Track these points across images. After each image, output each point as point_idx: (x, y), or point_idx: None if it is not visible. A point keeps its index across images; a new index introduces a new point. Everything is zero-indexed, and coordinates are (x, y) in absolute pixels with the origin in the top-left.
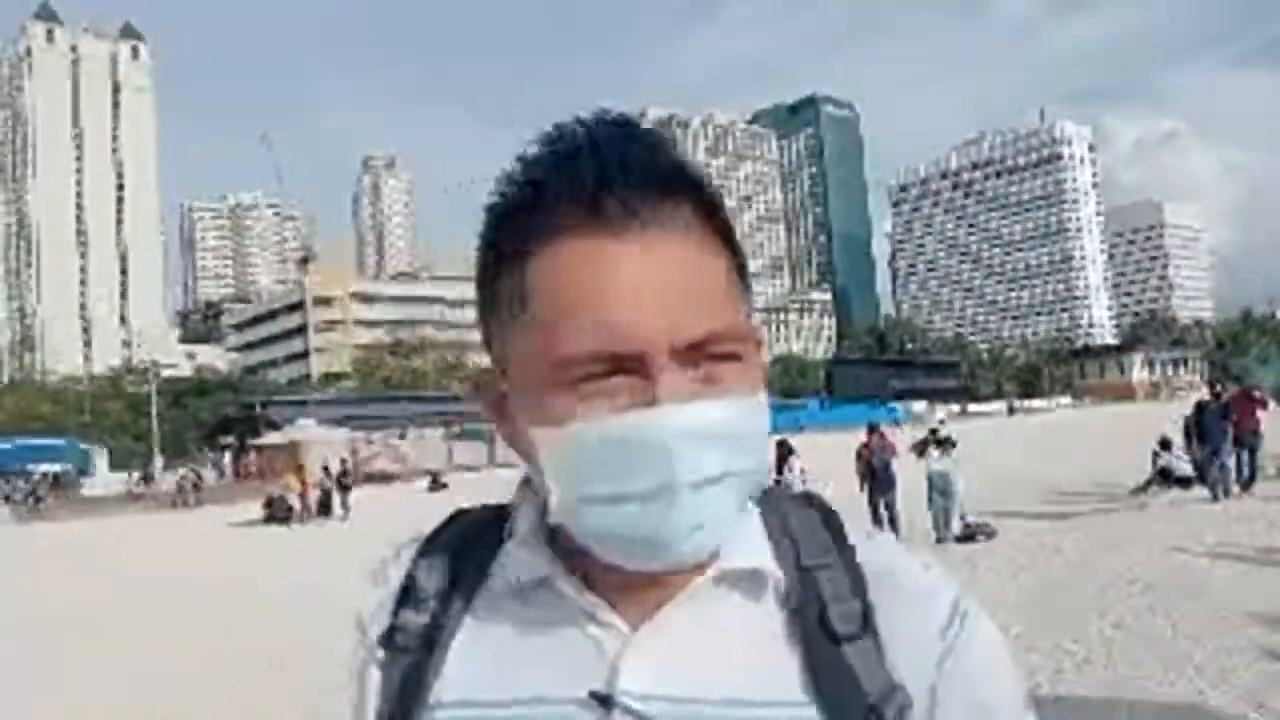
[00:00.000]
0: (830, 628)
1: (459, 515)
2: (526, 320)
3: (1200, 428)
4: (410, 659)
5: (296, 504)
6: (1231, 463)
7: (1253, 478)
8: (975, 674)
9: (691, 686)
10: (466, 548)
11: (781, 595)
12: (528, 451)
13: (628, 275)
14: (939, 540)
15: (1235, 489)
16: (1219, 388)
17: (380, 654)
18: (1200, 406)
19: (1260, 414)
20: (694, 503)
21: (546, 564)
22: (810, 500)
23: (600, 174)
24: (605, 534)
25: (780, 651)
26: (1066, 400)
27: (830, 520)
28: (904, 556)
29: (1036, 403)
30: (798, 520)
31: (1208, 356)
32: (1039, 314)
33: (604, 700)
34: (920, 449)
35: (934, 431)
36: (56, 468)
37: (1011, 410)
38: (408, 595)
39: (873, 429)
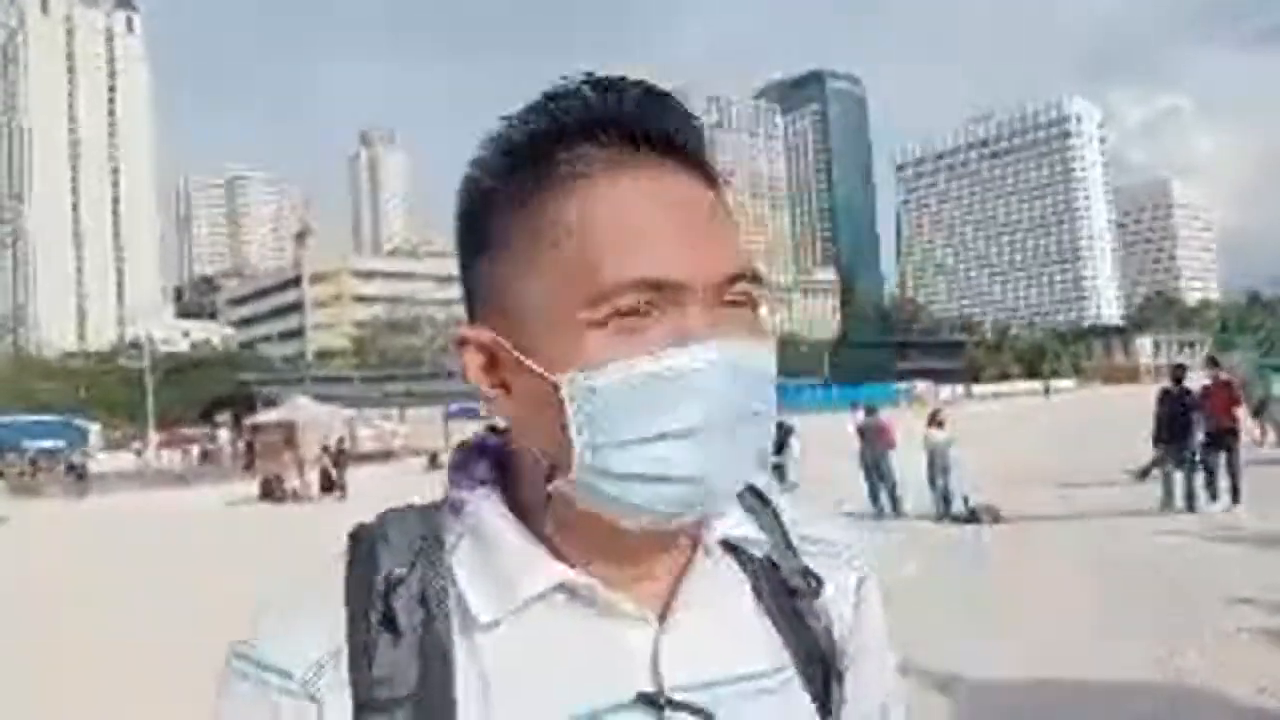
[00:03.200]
0: (790, 588)
1: (387, 523)
2: (565, 252)
3: (1159, 422)
4: (407, 714)
5: (296, 483)
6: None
7: (1235, 492)
8: (874, 622)
9: (717, 669)
10: (428, 564)
11: (758, 562)
12: (522, 410)
13: (673, 210)
14: (939, 519)
15: (1226, 500)
16: (1181, 374)
17: (345, 713)
18: (1163, 397)
19: (1237, 410)
20: (743, 436)
21: (555, 566)
22: None
23: (650, 110)
24: (642, 477)
25: (761, 617)
26: (1069, 383)
27: (752, 485)
28: (818, 519)
29: (1064, 383)
30: None
31: (1213, 338)
32: (1045, 293)
33: (653, 701)
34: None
35: (936, 413)
36: (50, 445)
37: (1048, 390)
38: (376, 636)
39: (870, 411)
